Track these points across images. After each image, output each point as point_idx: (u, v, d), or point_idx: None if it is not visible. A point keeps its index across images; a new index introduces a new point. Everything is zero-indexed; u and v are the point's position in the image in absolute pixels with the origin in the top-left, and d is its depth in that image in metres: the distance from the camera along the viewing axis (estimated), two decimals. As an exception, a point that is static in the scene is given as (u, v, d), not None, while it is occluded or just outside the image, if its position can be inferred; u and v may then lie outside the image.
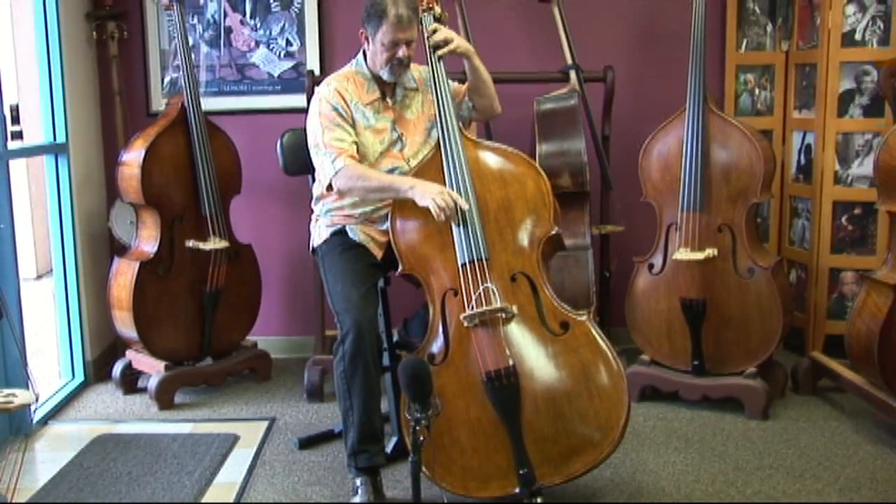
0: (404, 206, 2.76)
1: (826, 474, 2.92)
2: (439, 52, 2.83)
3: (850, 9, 3.71)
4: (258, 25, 4.17)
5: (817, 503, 2.73)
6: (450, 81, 2.89)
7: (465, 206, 2.65)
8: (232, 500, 2.83)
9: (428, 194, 2.64)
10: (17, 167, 4.20)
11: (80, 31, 3.98)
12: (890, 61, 3.47)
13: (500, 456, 2.54)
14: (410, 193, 2.69)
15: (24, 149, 3.63)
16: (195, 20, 4.15)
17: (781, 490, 2.81)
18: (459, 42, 2.87)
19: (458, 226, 2.67)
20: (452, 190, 2.70)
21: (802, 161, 3.98)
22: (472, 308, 2.61)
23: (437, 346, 2.68)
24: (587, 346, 2.61)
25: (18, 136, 3.51)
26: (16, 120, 3.48)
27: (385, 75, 2.89)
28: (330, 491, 2.88)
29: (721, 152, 3.38)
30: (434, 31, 2.85)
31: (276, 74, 4.20)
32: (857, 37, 3.73)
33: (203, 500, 2.84)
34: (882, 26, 3.70)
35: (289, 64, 4.19)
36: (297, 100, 4.02)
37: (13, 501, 2.33)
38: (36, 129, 3.90)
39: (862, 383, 3.28)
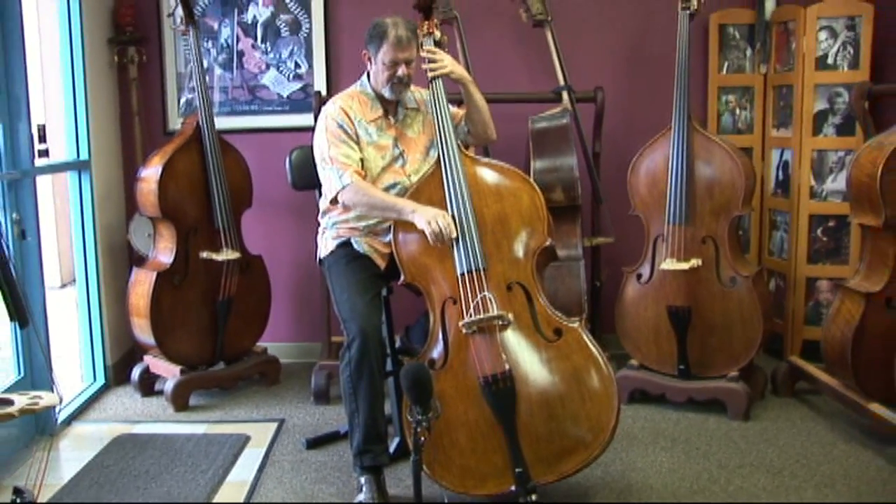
0: (406, 220, 2.76)
1: (803, 471, 2.91)
2: (433, 74, 2.83)
3: (823, 35, 3.73)
4: (268, 49, 4.17)
5: (796, 503, 2.72)
6: (449, 104, 2.88)
7: (453, 235, 2.65)
8: (243, 498, 2.82)
9: (425, 218, 2.65)
10: (43, 183, 4.20)
11: (102, 56, 3.98)
12: (860, 83, 3.49)
13: (497, 456, 2.53)
14: (412, 217, 2.70)
15: (50, 166, 3.62)
16: (210, 44, 4.16)
17: (762, 486, 2.81)
18: (453, 67, 2.86)
19: (455, 241, 2.66)
20: (452, 204, 2.70)
21: (780, 177, 3.99)
22: (471, 316, 2.60)
23: (437, 351, 2.68)
24: (579, 351, 2.60)
25: (45, 153, 3.50)
26: (42, 139, 3.47)
27: (387, 93, 2.89)
28: (336, 489, 2.87)
29: (705, 168, 3.39)
30: (430, 54, 2.85)
31: (285, 95, 4.20)
32: (830, 61, 3.75)
33: (216, 497, 2.82)
34: (852, 51, 3.71)
35: (297, 85, 4.19)
36: (305, 119, 4.02)
37: (39, 501, 2.32)
38: (61, 147, 3.89)
39: (837, 385, 3.28)
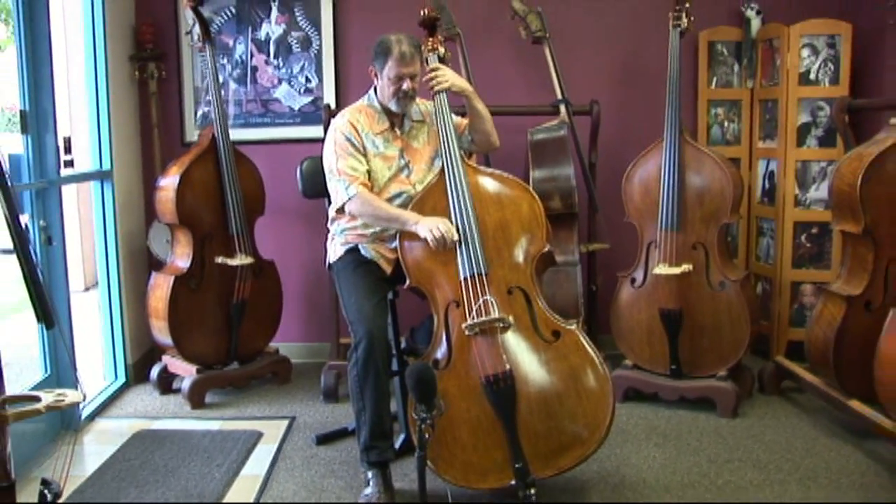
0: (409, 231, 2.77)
1: (788, 465, 2.92)
2: (436, 89, 2.84)
3: (805, 52, 3.74)
4: (281, 65, 4.19)
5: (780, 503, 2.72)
6: (452, 115, 2.89)
7: (455, 238, 2.67)
8: (256, 491, 2.82)
9: (426, 227, 2.66)
10: (67, 192, 4.21)
11: (124, 72, 4.00)
12: (840, 98, 3.50)
13: (498, 451, 2.54)
14: (414, 228, 2.71)
15: (75, 175, 3.64)
16: (225, 60, 4.18)
17: (749, 480, 2.81)
18: (455, 81, 2.87)
19: (458, 246, 2.67)
20: (455, 212, 2.71)
21: (766, 186, 3.99)
22: (473, 318, 2.61)
23: (440, 352, 2.68)
24: (576, 352, 2.61)
25: (70, 164, 3.52)
26: (68, 150, 3.49)
27: (393, 106, 2.89)
28: (344, 482, 2.87)
29: (695, 178, 3.39)
30: (433, 70, 2.86)
31: (296, 108, 4.21)
32: (812, 76, 3.76)
33: (231, 489, 2.83)
34: (832, 68, 3.73)
35: (308, 99, 4.20)
36: (315, 131, 4.03)
37: (65, 491, 2.33)
38: (85, 158, 3.91)
39: (820, 384, 3.28)
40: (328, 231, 3.08)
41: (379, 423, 2.70)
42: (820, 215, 3.77)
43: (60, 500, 2.04)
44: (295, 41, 4.17)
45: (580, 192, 3.58)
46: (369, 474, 2.72)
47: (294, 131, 4.20)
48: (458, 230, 2.69)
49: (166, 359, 3.83)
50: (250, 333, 3.86)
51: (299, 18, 4.15)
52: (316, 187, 3.23)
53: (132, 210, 4.07)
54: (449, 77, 2.85)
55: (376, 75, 2.89)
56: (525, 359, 2.60)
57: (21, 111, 3.19)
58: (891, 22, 3.03)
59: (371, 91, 2.97)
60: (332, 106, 3.98)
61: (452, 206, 2.72)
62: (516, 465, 2.50)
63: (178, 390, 3.75)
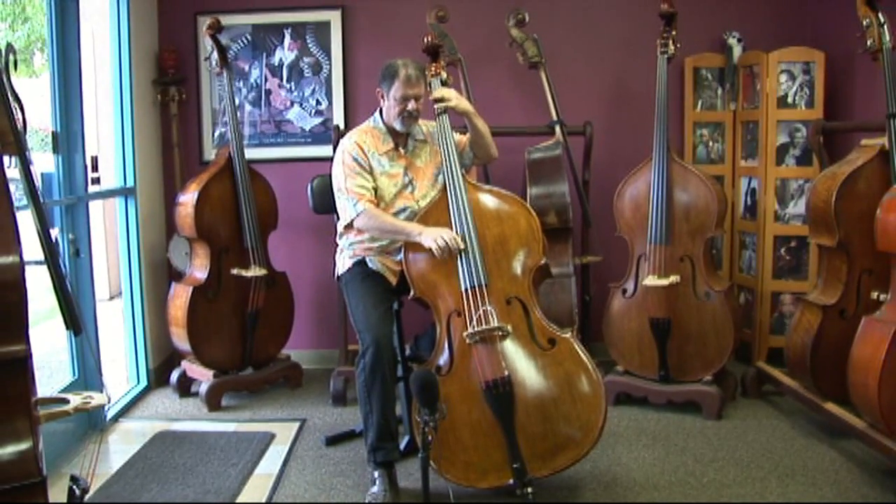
0: (414, 242, 2.78)
1: (768, 464, 2.93)
2: (440, 107, 2.85)
3: (783, 77, 3.77)
4: (293, 88, 4.22)
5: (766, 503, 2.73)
6: (454, 133, 2.89)
7: (461, 246, 2.66)
8: (269, 488, 2.83)
9: (430, 237, 2.66)
10: (94, 207, 4.23)
11: (147, 95, 4.03)
12: (816, 120, 3.52)
13: (497, 452, 2.54)
14: (419, 238, 2.70)
15: (101, 192, 3.68)
16: (241, 84, 4.20)
17: (732, 478, 2.82)
18: (458, 102, 2.87)
19: (460, 258, 2.68)
20: (457, 227, 2.71)
21: (748, 202, 4.01)
22: (474, 327, 2.61)
23: (443, 359, 2.68)
24: (571, 359, 2.61)
25: (96, 181, 3.55)
26: (95, 168, 3.52)
27: (398, 126, 2.89)
28: (352, 481, 2.88)
29: (682, 195, 3.41)
30: (438, 93, 2.87)
31: (307, 129, 4.24)
32: (789, 100, 3.79)
33: (245, 487, 2.83)
34: (808, 92, 3.76)
35: (318, 120, 4.23)
36: (325, 150, 4.02)
37: (91, 487, 2.34)
38: (110, 176, 3.93)
39: (798, 387, 3.29)
40: (337, 245, 3.08)
41: (385, 425, 2.70)
42: (798, 230, 3.78)
43: (88, 495, 2.05)
44: (306, 66, 4.20)
45: (574, 208, 3.59)
46: (376, 474, 2.73)
47: (305, 150, 4.22)
48: (459, 238, 2.69)
49: (185, 364, 3.83)
50: (264, 341, 3.86)
51: (311, 45, 4.18)
52: (325, 203, 3.25)
53: (154, 224, 4.08)
54: (453, 98, 2.87)
55: (383, 97, 2.90)
56: (523, 365, 2.61)
57: (53, 132, 3.21)
58: (860, 51, 3.05)
59: (376, 113, 2.98)
60: (341, 127, 4.00)
61: (454, 221, 2.73)
62: (514, 465, 2.51)
63: (196, 394, 3.76)
